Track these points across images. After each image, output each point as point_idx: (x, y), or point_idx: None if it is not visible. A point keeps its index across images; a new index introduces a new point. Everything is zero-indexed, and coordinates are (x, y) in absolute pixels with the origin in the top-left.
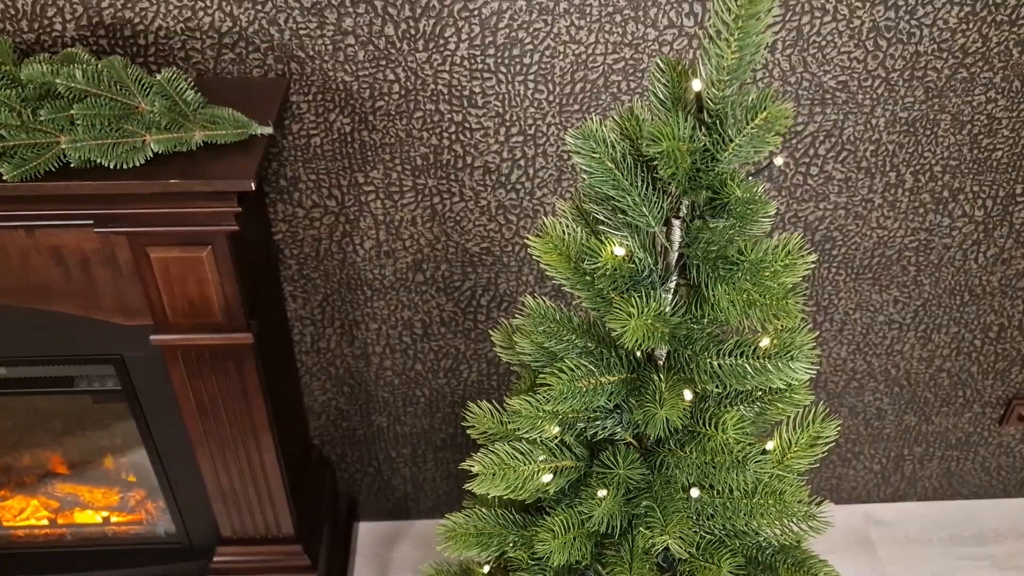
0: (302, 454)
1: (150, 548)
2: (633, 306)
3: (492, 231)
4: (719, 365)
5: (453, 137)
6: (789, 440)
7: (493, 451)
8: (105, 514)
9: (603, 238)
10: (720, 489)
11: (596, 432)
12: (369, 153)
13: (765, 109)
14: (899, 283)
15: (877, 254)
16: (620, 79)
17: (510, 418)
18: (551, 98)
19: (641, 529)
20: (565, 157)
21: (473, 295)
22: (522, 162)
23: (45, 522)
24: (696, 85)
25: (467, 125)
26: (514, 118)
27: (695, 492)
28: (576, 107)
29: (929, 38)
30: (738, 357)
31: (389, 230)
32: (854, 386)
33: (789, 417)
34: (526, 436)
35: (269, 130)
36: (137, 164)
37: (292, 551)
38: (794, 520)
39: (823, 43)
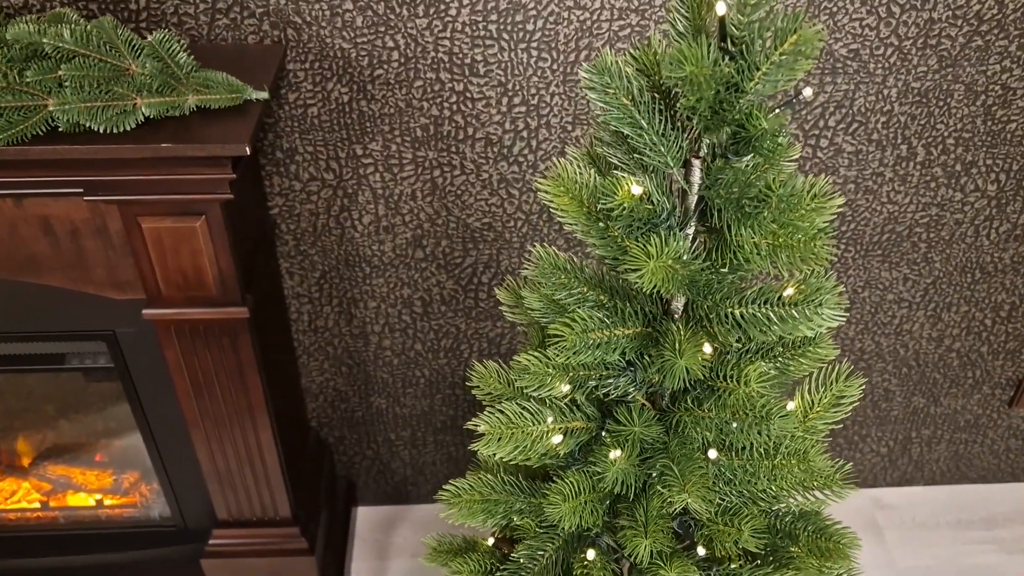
0: (299, 436)
1: (144, 531)
2: (652, 246)
3: (494, 206)
4: (741, 314)
5: (454, 107)
6: (811, 400)
7: (500, 410)
8: (98, 497)
9: (619, 176)
10: (740, 450)
11: (608, 392)
12: (368, 124)
13: (795, 31)
14: (909, 260)
15: (887, 230)
16: (626, 47)
17: (518, 375)
18: (555, 67)
19: (658, 488)
20: (569, 129)
21: (474, 272)
22: (524, 133)
23: (37, 505)
24: (720, 8)
25: (468, 95)
26: (517, 87)
27: (713, 454)
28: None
29: (943, 4)
30: (762, 305)
31: (388, 204)
32: (861, 367)
33: (811, 375)
34: (535, 394)
35: (265, 95)
36: (127, 128)
37: (289, 534)
38: (817, 483)
39: (834, 9)
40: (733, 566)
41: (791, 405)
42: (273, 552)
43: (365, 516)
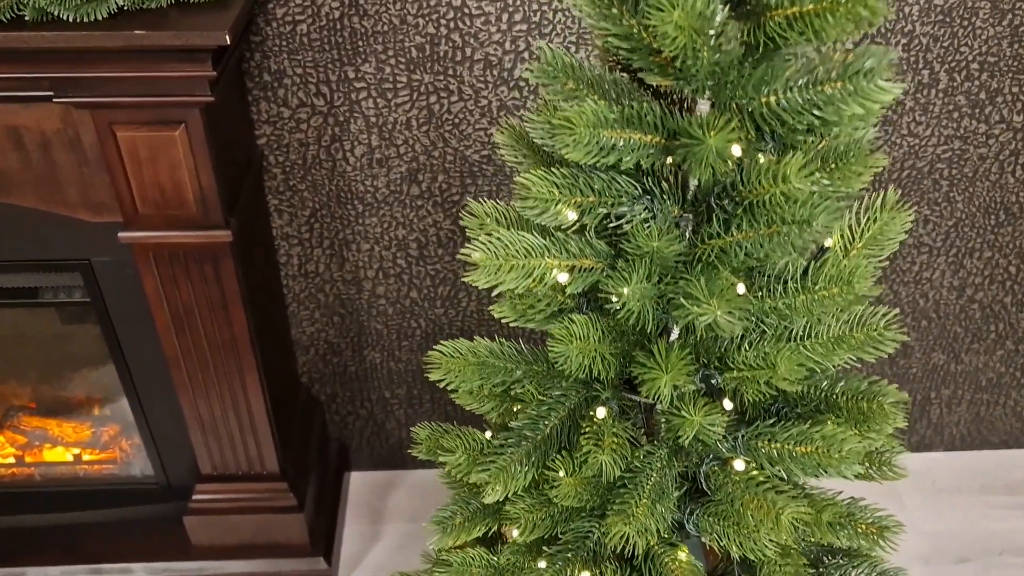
0: (289, 391)
1: (125, 489)
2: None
3: (493, 136)
4: (777, 102)
5: (451, 25)
6: (852, 234)
7: (499, 238)
8: (76, 451)
9: None
10: (773, 286)
11: (621, 224)
12: (360, 43)
13: None
14: (930, 200)
15: (907, 166)
16: None
17: (519, 198)
18: None
19: (682, 303)
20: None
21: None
22: (526, 55)
23: (12, 460)
24: None
25: (466, 11)
26: (518, 2)
27: (741, 288)
28: None
29: None
30: (805, 88)
31: (382, 134)
32: None
33: (851, 208)
34: (538, 221)
35: None
36: (99, 17)
37: (277, 489)
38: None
39: None
40: (763, 424)
41: (829, 241)
42: (260, 509)
43: (359, 481)
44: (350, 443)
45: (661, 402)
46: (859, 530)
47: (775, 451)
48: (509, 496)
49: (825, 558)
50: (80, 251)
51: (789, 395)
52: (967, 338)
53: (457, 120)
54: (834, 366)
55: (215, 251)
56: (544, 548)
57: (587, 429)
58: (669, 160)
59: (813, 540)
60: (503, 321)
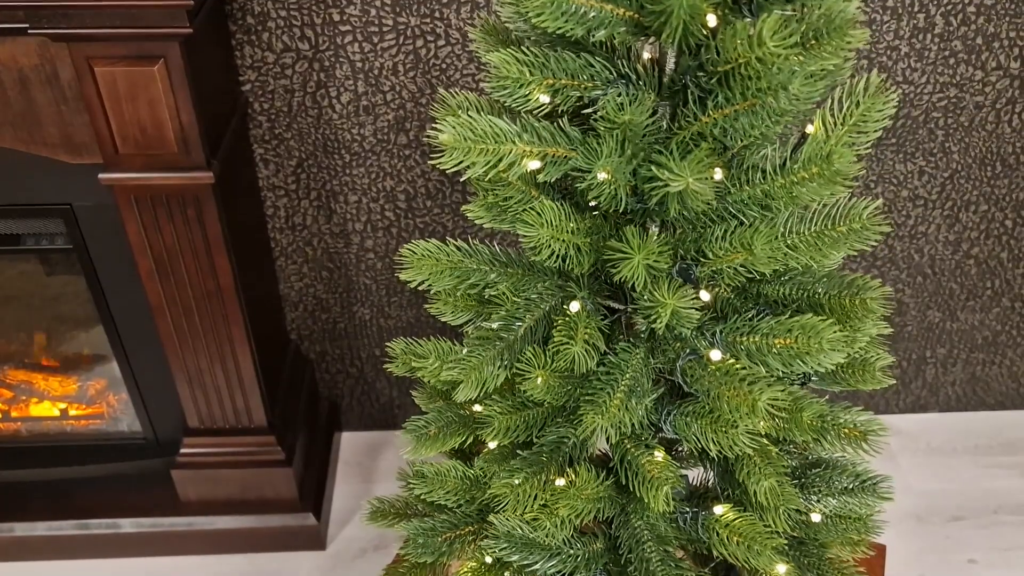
0: (278, 347)
1: (112, 444)
2: None
3: (481, 82)
4: None
5: None
6: (833, 119)
7: (467, 120)
8: (63, 406)
9: None
10: (750, 172)
11: (594, 112)
12: None
13: None
14: (925, 151)
15: (902, 115)
16: None
17: (489, 79)
18: None
19: (654, 173)
20: None
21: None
22: None
23: None
24: None
25: None
26: None
27: (718, 174)
28: None
29: None
30: None
31: (368, 80)
32: (873, 275)
33: (832, 94)
34: (509, 102)
35: None
36: None
37: (265, 442)
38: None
39: None
40: (741, 319)
41: (810, 128)
42: (248, 463)
43: (349, 441)
44: (340, 402)
45: (635, 286)
46: (842, 434)
47: (753, 345)
48: (483, 400)
49: (808, 471)
50: (61, 195)
51: (769, 297)
52: (963, 295)
53: (444, 66)
54: (816, 264)
55: (197, 193)
56: (519, 452)
57: (560, 323)
58: (646, 54)
59: (792, 439)
60: (476, 222)
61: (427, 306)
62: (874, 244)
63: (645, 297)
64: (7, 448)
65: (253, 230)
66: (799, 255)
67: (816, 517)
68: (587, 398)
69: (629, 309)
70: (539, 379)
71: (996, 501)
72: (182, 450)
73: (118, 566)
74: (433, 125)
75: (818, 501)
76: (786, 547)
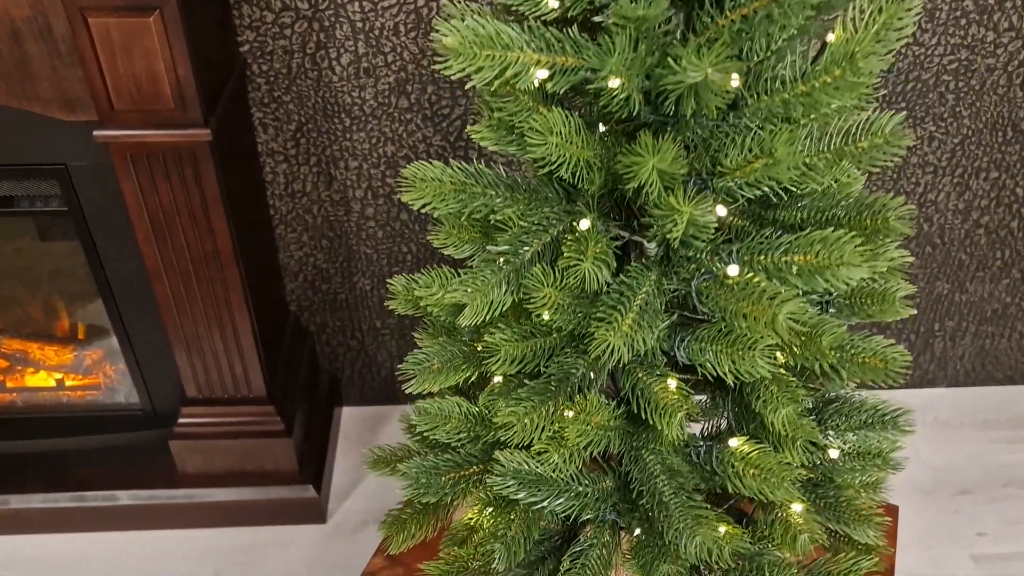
0: (278, 318)
1: (110, 415)
2: None
3: None
4: None
5: None
6: (855, 27)
7: (473, 24)
8: (59, 376)
9: None
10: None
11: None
12: None
13: None
14: (935, 115)
15: (912, 78)
16: None
17: None
18: None
19: (671, 65)
20: None
21: (463, 125)
22: None
23: None
24: None
25: None
26: None
27: (735, 80)
28: None
29: None
30: None
31: (369, 41)
32: None
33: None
34: (516, 5)
35: None
36: None
37: (264, 412)
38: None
39: None
40: (758, 237)
41: (831, 36)
42: (247, 433)
43: (350, 415)
44: (341, 375)
45: (649, 196)
46: (861, 362)
47: (772, 263)
48: (489, 328)
49: (825, 407)
50: (56, 155)
51: (786, 222)
52: (972, 265)
53: None
54: (836, 185)
55: (194, 151)
56: (527, 382)
57: (570, 240)
58: None
59: (809, 370)
60: (482, 144)
61: (430, 237)
62: (896, 160)
63: (660, 207)
64: (2, 419)
65: (252, 195)
66: (818, 175)
67: (834, 453)
68: (598, 317)
69: (639, 230)
70: (548, 297)
71: (1005, 475)
72: (180, 420)
73: (116, 539)
74: (436, 29)
75: (836, 437)
76: (802, 486)
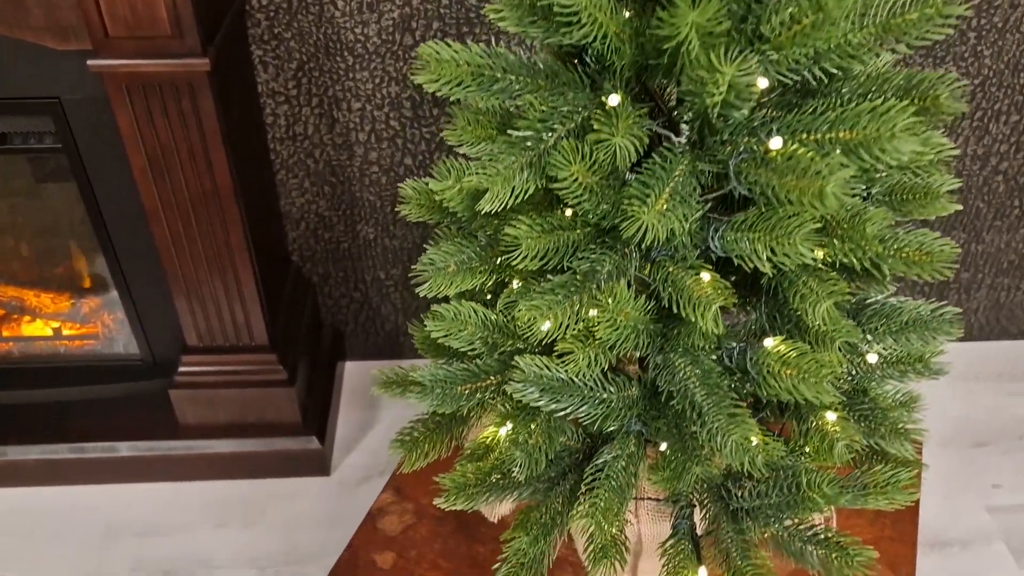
0: (279, 266)
1: (108, 366)
2: None
3: None
4: None
5: None
6: None
7: None
8: (56, 325)
9: None
10: None
11: None
12: None
13: None
14: (955, 54)
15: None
16: None
17: None
18: None
19: None
20: None
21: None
22: None
23: None
24: None
25: None
26: None
27: None
28: None
29: None
30: None
31: None
32: None
33: None
34: None
35: None
36: None
37: (265, 360)
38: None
39: None
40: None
41: None
42: (248, 382)
43: (353, 370)
44: (344, 329)
45: (687, 55)
46: (904, 256)
47: (815, 140)
48: (510, 221)
49: (863, 310)
50: (49, 88)
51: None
52: (989, 214)
53: None
54: (878, 54)
55: (192, 82)
56: (550, 277)
57: (599, 115)
58: None
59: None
60: (502, 25)
61: (444, 133)
62: (951, 31)
63: (699, 68)
64: (0, 369)
65: (252, 137)
66: (862, 54)
67: (872, 358)
68: (630, 195)
69: (669, 120)
70: (576, 177)
71: (1020, 428)
72: (180, 369)
73: (116, 491)
74: None
75: (875, 341)
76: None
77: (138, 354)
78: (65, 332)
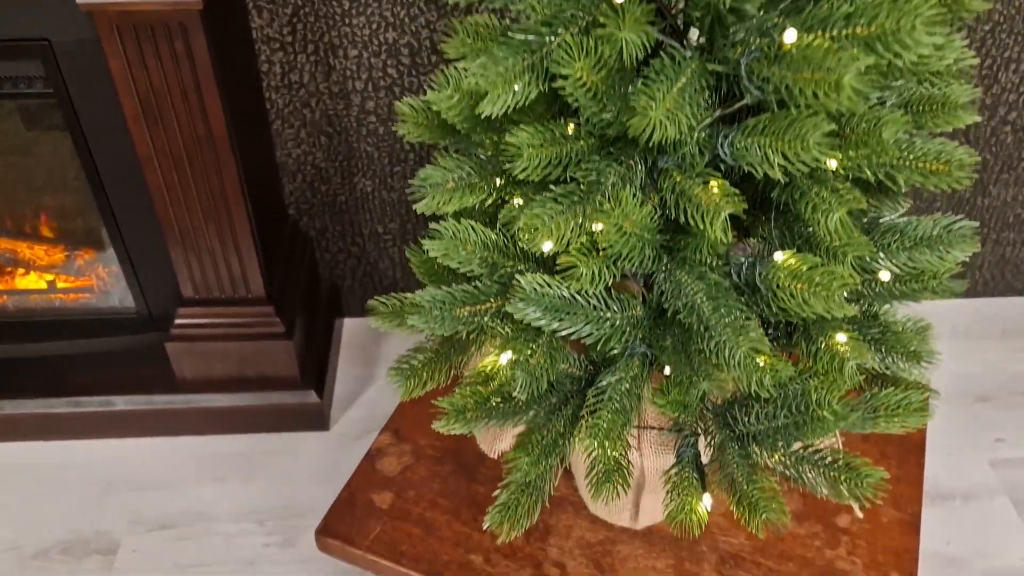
0: (276, 219)
1: (104, 319)
2: None
3: None
4: None
5: None
6: None
7: None
8: (50, 278)
9: None
10: None
11: None
12: None
13: None
14: None
15: None
16: None
17: None
18: None
19: None
20: None
21: (470, 10)
22: None
23: None
24: None
25: None
26: None
27: None
28: None
29: None
30: None
31: None
32: None
33: None
34: None
35: None
36: None
37: (263, 312)
38: None
39: None
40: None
41: None
42: (246, 335)
43: (351, 326)
44: (342, 284)
45: None
46: (920, 166)
47: (831, 38)
48: (510, 129)
49: (876, 226)
50: (37, 29)
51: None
52: (996, 166)
53: None
54: None
55: (184, 21)
56: (552, 187)
57: (604, 10)
58: None
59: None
60: None
61: (442, 45)
62: None
63: None
64: None
65: (247, 84)
66: None
67: (885, 275)
68: (638, 93)
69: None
70: (580, 74)
71: (1023, 383)
72: (176, 321)
73: (112, 446)
74: None
75: (887, 259)
76: (847, 320)
77: (133, 307)
78: (59, 285)
